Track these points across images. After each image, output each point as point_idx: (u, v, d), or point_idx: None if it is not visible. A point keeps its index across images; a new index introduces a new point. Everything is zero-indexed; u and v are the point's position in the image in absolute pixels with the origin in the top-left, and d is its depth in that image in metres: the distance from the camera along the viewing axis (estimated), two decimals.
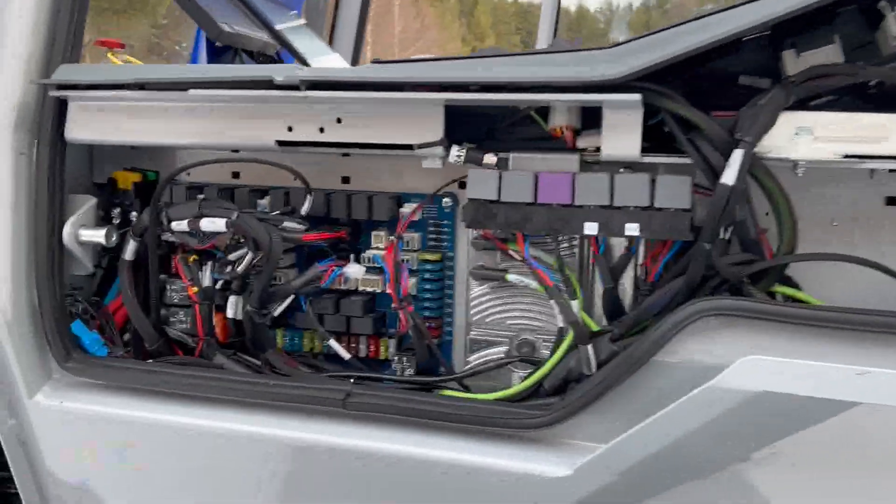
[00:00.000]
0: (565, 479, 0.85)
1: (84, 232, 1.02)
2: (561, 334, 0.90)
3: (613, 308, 0.89)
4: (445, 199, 0.98)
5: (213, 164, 1.06)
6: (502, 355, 0.96)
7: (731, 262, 0.79)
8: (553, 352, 0.90)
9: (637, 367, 0.81)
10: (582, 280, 0.92)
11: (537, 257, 0.88)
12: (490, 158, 0.87)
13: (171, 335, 1.05)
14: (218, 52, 1.51)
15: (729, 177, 0.76)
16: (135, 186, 1.06)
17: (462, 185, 0.98)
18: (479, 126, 0.93)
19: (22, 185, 0.99)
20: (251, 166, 1.06)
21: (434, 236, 0.99)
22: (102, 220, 1.07)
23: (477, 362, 0.97)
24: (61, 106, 0.99)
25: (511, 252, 0.90)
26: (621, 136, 0.82)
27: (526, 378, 0.92)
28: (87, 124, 0.99)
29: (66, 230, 1.01)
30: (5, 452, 1.06)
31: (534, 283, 0.90)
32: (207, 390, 0.95)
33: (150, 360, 1.03)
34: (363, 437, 0.92)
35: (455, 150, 0.88)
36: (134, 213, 1.06)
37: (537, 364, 0.92)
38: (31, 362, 1.01)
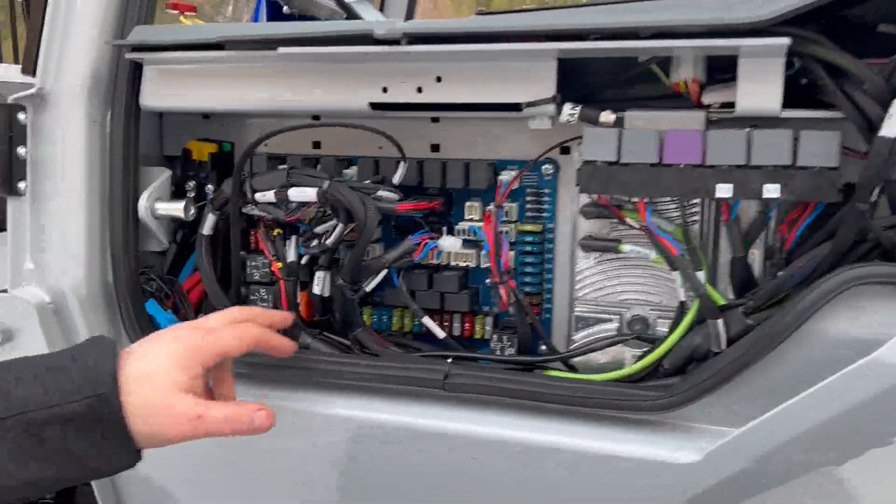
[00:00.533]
0: (693, 465, 0.78)
1: (160, 205, 0.96)
2: (682, 309, 0.83)
3: (743, 279, 0.81)
4: (546, 166, 0.91)
5: (291, 134, 1.00)
6: (613, 332, 0.88)
7: (887, 226, 0.72)
8: (673, 328, 0.83)
9: (778, 342, 0.74)
10: (704, 250, 0.84)
11: (658, 225, 0.81)
12: (608, 116, 0.80)
13: None
14: (279, 20, 1.45)
15: (890, 129, 0.68)
16: (211, 157, 1.00)
17: (564, 151, 0.91)
18: (585, 85, 0.86)
19: (95, 156, 0.94)
20: (332, 135, 1.00)
21: (534, 206, 0.92)
22: (175, 193, 1.01)
23: (584, 341, 0.89)
24: (136, 70, 0.93)
25: (628, 220, 0.82)
26: (760, 89, 0.74)
27: (642, 357, 0.85)
28: (163, 90, 0.93)
29: (142, 203, 0.95)
30: None
31: (652, 254, 0.83)
32: (292, 372, 0.89)
33: None
34: (464, 421, 0.86)
35: (568, 109, 0.81)
36: (209, 186, 1.00)
37: (653, 342, 0.85)
38: None
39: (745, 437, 0.77)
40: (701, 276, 0.80)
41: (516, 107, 0.82)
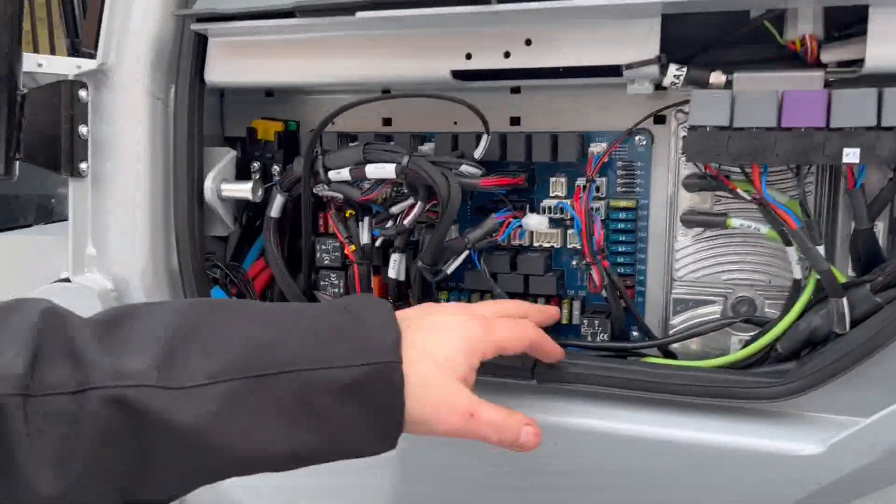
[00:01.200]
0: (816, 457, 0.71)
1: (226, 186, 0.91)
2: (797, 288, 0.76)
3: (868, 254, 0.74)
4: (639, 137, 0.85)
5: (361, 110, 0.94)
6: (716, 316, 0.82)
7: None
8: (787, 308, 0.76)
9: None
10: (819, 222, 0.77)
11: (773, 196, 0.74)
12: (718, 77, 0.74)
13: (323, 301, 0.93)
14: None
15: None
16: (277, 137, 0.95)
17: (658, 120, 0.85)
18: (686, 46, 0.79)
19: (159, 135, 0.89)
20: (403, 111, 0.94)
21: (626, 180, 0.86)
22: (239, 176, 0.96)
23: (684, 325, 0.83)
24: (201, 44, 0.89)
25: (740, 191, 0.75)
26: (894, 43, 0.67)
27: (752, 341, 0.78)
28: (229, 64, 0.88)
29: (208, 185, 0.90)
30: None
31: (763, 228, 0.76)
32: None
33: None
34: (557, 412, 0.80)
35: (673, 70, 0.74)
36: (276, 167, 0.95)
37: (762, 325, 0.79)
38: None
39: (875, 427, 0.70)
40: (820, 250, 0.73)
41: (614, 71, 0.76)
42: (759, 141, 0.71)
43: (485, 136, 0.83)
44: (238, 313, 0.58)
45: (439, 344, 0.61)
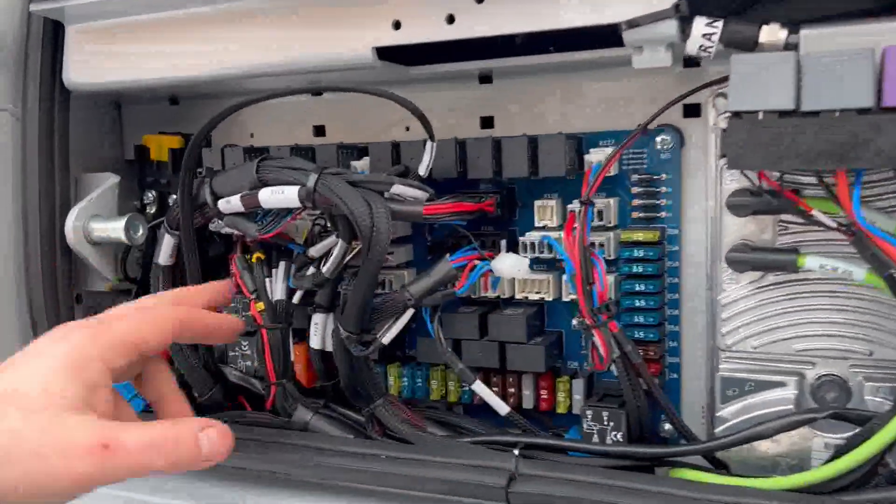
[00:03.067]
0: None
1: (98, 225, 0.67)
2: None
3: None
4: (661, 137, 0.57)
5: (286, 121, 0.70)
6: (790, 407, 0.53)
7: None
8: None
9: None
10: None
11: (871, 220, 0.46)
12: (773, 34, 0.46)
13: (232, 379, 0.68)
14: None
15: None
16: (173, 155, 0.71)
17: (691, 112, 0.57)
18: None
19: (6, 157, 0.66)
20: (338, 118, 0.69)
21: (645, 201, 0.58)
22: (137, 210, 0.73)
23: (737, 420, 0.54)
24: (55, 33, 0.66)
25: (816, 214, 0.47)
26: None
27: (846, 449, 0.49)
28: (94, 57, 0.65)
29: (70, 223, 0.66)
30: None
31: (858, 271, 0.48)
32: (284, 466, 0.58)
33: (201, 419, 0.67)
34: None
35: (701, 25, 0.47)
36: (173, 196, 0.71)
37: (862, 422, 0.50)
38: None
39: None
40: None
41: (611, 35, 0.49)
42: (845, 132, 0.43)
43: (429, 144, 0.57)
44: None
45: (28, 377, 0.45)
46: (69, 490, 0.43)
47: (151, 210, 0.72)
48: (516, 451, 0.54)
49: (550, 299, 0.60)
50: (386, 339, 0.59)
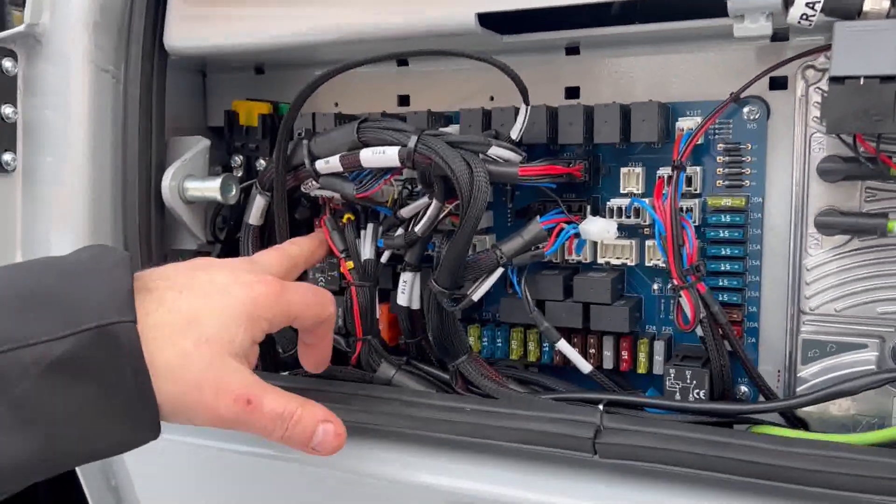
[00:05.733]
0: None
1: (193, 185, 0.70)
2: None
3: None
4: (749, 108, 0.59)
5: (371, 90, 0.73)
6: (872, 367, 0.55)
7: None
8: None
9: None
10: None
11: None
12: (879, 3, 0.48)
13: None
14: None
15: None
16: (262, 121, 0.74)
17: (777, 85, 0.59)
18: None
19: (107, 119, 0.69)
20: (424, 88, 0.71)
21: (731, 170, 0.60)
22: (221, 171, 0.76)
23: (820, 380, 0.56)
24: (158, 1, 0.68)
25: None
26: None
27: None
28: (195, 22, 0.68)
29: (167, 183, 0.69)
30: (88, 500, 0.75)
31: None
32: (369, 417, 0.60)
33: (286, 373, 0.70)
34: (626, 502, 0.55)
35: None
36: (261, 160, 0.74)
37: None
38: None
39: None
40: None
41: (712, 5, 0.51)
42: None
43: (523, 108, 0.59)
44: None
45: (209, 310, 0.47)
46: (205, 423, 0.47)
47: (238, 174, 0.74)
48: (601, 406, 0.57)
49: (632, 264, 0.63)
50: (476, 295, 0.61)
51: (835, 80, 0.48)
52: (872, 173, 0.51)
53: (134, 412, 0.44)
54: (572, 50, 0.65)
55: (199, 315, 0.46)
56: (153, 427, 0.45)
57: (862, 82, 0.47)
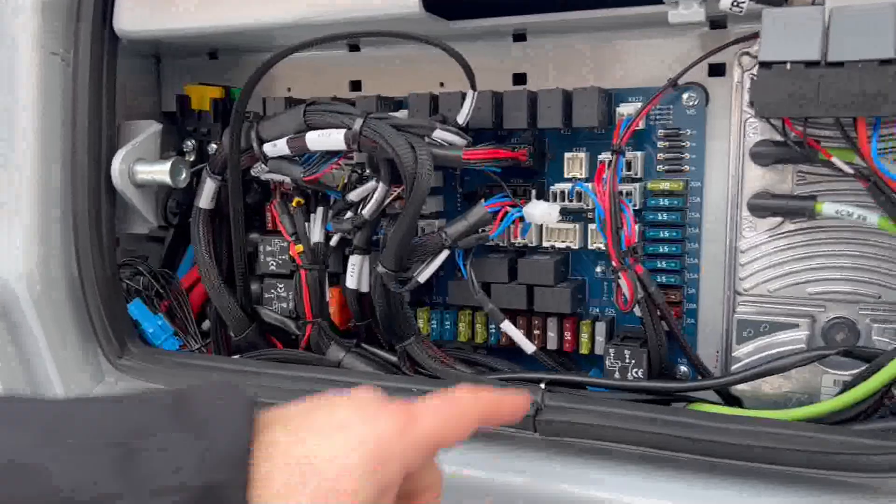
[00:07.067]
0: None
1: (142, 168, 0.70)
2: None
3: None
4: (688, 94, 0.61)
5: (323, 76, 0.73)
6: (802, 345, 0.57)
7: None
8: None
9: None
10: None
11: (890, 168, 0.50)
12: None
13: (267, 319, 0.71)
14: None
15: None
16: (214, 105, 0.74)
17: (716, 71, 0.61)
18: None
19: (55, 101, 0.69)
20: (375, 72, 0.72)
21: (670, 154, 0.62)
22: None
23: (753, 358, 0.58)
24: None
25: (837, 161, 0.51)
26: None
27: (854, 383, 0.53)
28: (145, 8, 0.67)
29: (116, 166, 0.69)
30: None
31: (873, 216, 0.52)
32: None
33: (238, 356, 0.71)
34: (570, 480, 0.56)
35: None
36: (213, 144, 0.74)
37: (869, 359, 0.53)
38: (70, 358, 0.70)
39: None
40: None
41: None
42: (868, 81, 0.46)
43: (470, 94, 0.60)
44: None
45: (326, 452, 0.38)
46: None
47: (190, 158, 0.75)
48: (543, 385, 0.58)
49: (576, 248, 0.64)
50: (422, 277, 0.62)
51: (763, 65, 0.49)
52: (801, 157, 0.53)
53: None
54: (519, 36, 0.66)
55: (314, 460, 0.39)
56: None
57: (789, 67, 0.49)
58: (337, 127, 0.60)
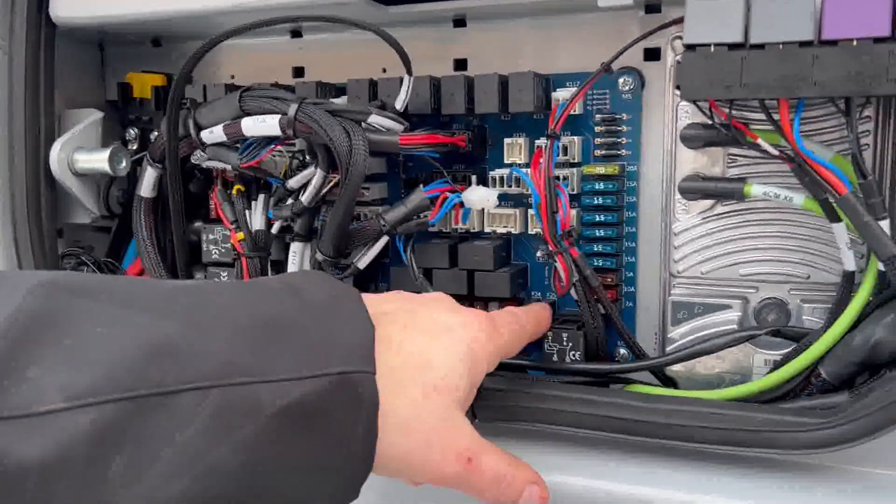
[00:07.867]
0: None
1: (81, 157, 0.69)
2: (849, 284, 0.52)
3: None
4: (624, 79, 0.61)
5: (266, 62, 0.73)
6: (734, 326, 0.58)
7: None
8: (834, 316, 0.52)
9: None
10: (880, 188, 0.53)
11: (812, 150, 0.50)
12: None
13: None
14: None
15: None
16: (156, 93, 0.73)
17: (651, 56, 0.61)
18: None
19: None
20: (318, 59, 0.72)
21: (607, 139, 0.62)
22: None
23: (688, 339, 0.59)
24: None
25: (762, 143, 0.52)
26: None
27: (783, 362, 0.54)
28: None
29: (55, 154, 0.68)
30: None
31: (798, 197, 0.52)
32: None
33: None
34: None
35: None
36: (155, 132, 0.74)
37: (798, 338, 0.54)
38: None
39: None
40: (885, 226, 0.49)
41: None
42: (788, 63, 0.47)
43: (406, 79, 0.60)
44: (119, 296, 0.36)
45: (438, 353, 0.43)
46: (425, 481, 0.44)
47: (133, 147, 0.74)
48: None
49: (517, 233, 0.64)
50: (361, 263, 0.62)
51: (688, 47, 0.50)
52: (728, 139, 0.53)
53: (350, 472, 0.39)
54: (459, 22, 0.67)
55: (429, 360, 0.42)
56: (357, 489, 0.40)
57: (712, 50, 0.49)
58: (272, 113, 0.59)
